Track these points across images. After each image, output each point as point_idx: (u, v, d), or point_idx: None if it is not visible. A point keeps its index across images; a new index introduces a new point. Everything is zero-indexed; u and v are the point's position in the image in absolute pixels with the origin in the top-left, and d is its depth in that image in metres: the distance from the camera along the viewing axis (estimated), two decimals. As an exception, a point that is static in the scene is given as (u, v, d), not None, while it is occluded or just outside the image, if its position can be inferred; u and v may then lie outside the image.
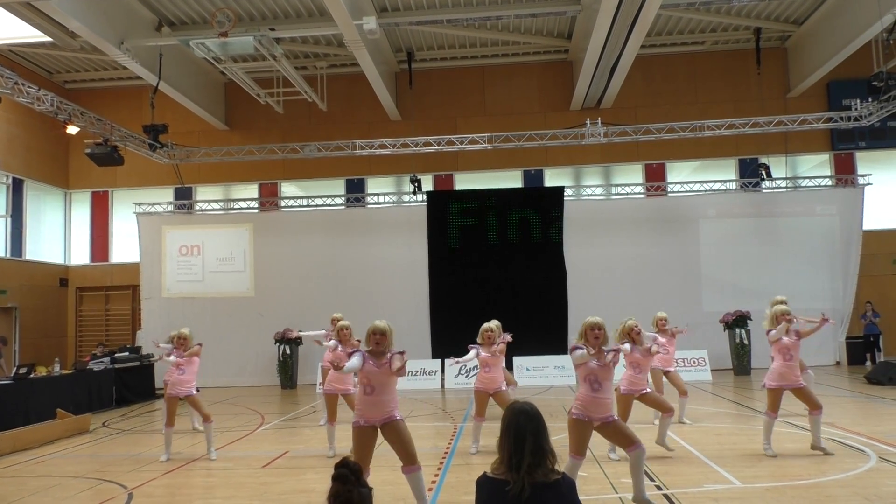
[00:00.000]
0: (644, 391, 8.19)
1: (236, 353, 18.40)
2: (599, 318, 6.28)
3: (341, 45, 17.51)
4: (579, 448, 6.15)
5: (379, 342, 5.92)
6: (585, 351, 6.14)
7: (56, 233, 21.39)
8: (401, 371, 5.78)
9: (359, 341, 8.96)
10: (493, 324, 9.03)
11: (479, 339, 8.96)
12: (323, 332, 11.66)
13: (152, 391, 16.99)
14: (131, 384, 16.01)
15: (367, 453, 5.89)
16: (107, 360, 15.64)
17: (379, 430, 5.89)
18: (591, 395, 6.17)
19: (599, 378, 6.15)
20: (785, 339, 8.21)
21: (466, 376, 16.94)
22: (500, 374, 8.86)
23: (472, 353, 8.86)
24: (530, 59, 20.66)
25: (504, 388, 8.83)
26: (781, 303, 9.53)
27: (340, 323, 9.26)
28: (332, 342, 9.33)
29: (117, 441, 11.14)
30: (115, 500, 7.26)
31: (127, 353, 16.57)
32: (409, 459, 5.87)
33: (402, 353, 5.90)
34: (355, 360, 5.91)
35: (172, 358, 9.36)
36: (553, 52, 20.41)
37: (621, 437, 6.29)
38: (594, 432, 6.26)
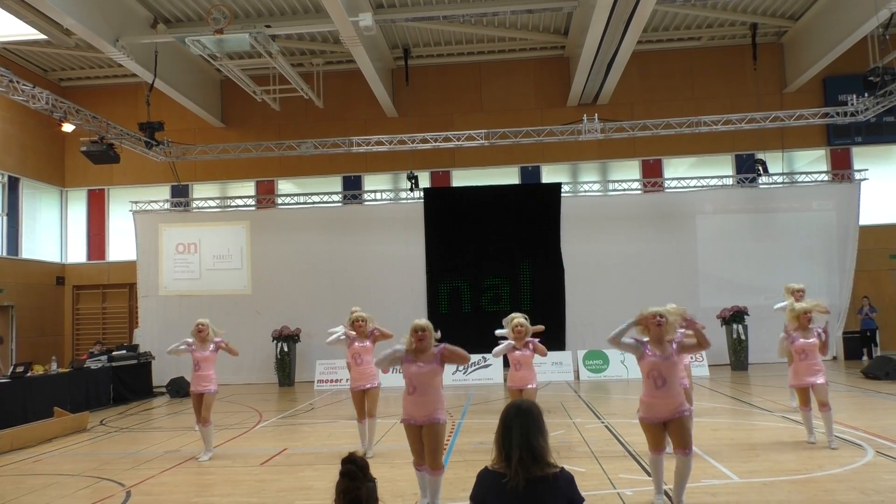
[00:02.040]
0: (682, 382, 8.06)
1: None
2: (661, 307, 6.02)
3: (337, 41, 17.47)
4: (655, 444, 5.92)
5: (421, 339, 5.91)
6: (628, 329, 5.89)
7: (52, 231, 21.34)
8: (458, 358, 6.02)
9: (377, 331, 9.02)
10: (523, 317, 8.61)
11: (509, 334, 8.57)
12: (340, 329, 11.36)
13: (150, 389, 16.98)
14: (129, 382, 16.00)
15: (419, 446, 5.99)
16: (104, 358, 15.63)
17: (421, 427, 5.93)
18: (654, 392, 5.79)
19: (664, 373, 5.76)
20: (801, 340, 8.15)
21: (464, 373, 16.96)
22: (532, 372, 8.60)
23: (505, 345, 8.46)
24: (527, 55, 20.64)
25: (534, 385, 8.60)
26: (798, 290, 9.53)
27: (355, 315, 9.22)
28: (342, 331, 9.31)
29: (115, 439, 11.14)
30: (113, 498, 7.25)
31: (124, 352, 16.56)
32: (433, 464, 5.93)
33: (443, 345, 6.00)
34: (387, 353, 6.03)
35: (184, 347, 9.25)
36: (549, 49, 20.38)
37: (680, 436, 5.82)
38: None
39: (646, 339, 5.96)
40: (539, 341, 8.60)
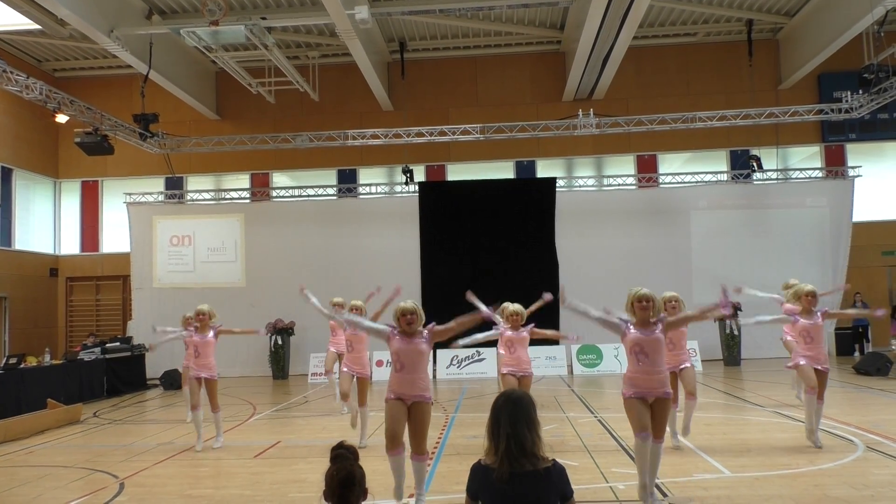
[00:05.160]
0: (683, 366, 7.88)
1: (227, 343, 18.11)
2: (648, 289, 5.97)
3: (333, 34, 17.42)
4: (640, 425, 5.77)
5: (411, 322, 5.89)
6: (620, 321, 5.87)
7: (46, 222, 21.25)
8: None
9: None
10: (519, 307, 8.54)
11: (504, 322, 8.45)
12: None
13: (143, 381, 16.98)
14: (122, 374, 16.00)
15: (400, 426, 5.85)
16: (98, 350, 15.61)
17: (409, 407, 5.84)
18: (636, 368, 5.83)
19: (646, 349, 5.79)
20: (804, 321, 7.87)
21: (458, 367, 16.99)
22: (527, 355, 8.40)
23: (494, 331, 8.32)
24: (523, 49, 20.61)
25: (531, 371, 8.41)
26: (792, 286, 9.51)
27: (353, 302, 9.20)
28: (341, 316, 9.39)
29: (108, 431, 11.13)
30: (106, 489, 7.25)
31: (118, 344, 16.54)
32: (418, 449, 5.84)
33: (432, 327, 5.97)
34: (380, 325, 6.05)
35: (184, 333, 9.18)
36: (545, 43, 20.37)
37: (659, 422, 5.90)
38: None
39: (630, 318, 5.97)
40: (533, 327, 8.53)
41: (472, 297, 8.09)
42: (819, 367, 7.81)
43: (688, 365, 7.99)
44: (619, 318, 5.99)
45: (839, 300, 18.38)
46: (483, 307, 7.96)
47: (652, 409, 5.89)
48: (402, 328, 5.92)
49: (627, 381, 5.94)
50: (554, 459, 3.07)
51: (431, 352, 6.10)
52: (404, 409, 5.87)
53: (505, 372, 8.37)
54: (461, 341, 7.87)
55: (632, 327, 5.91)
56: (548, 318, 17.51)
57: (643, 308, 5.87)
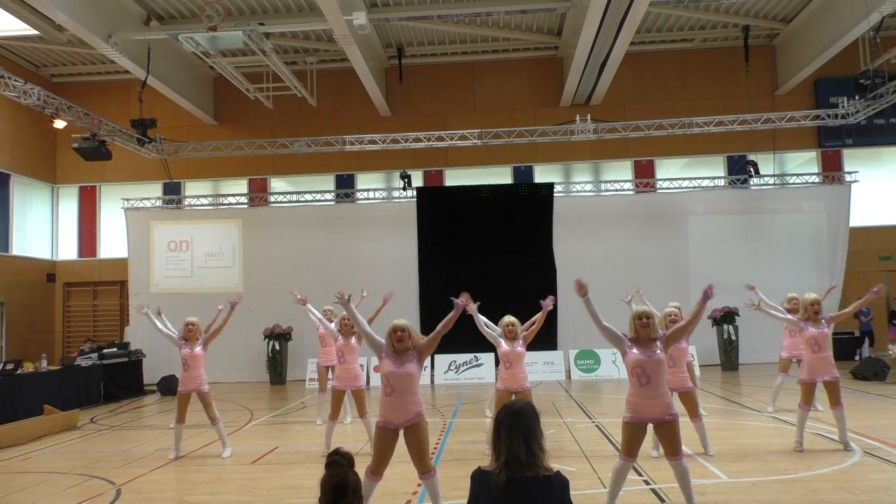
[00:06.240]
0: (686, 388, 7.87)
1: (225, 348, 18.21)
2: (647, 307, 6.00)
3: (331, 40, 17.46)
4: (628, 449, 5.75)
5: (401, 339, 5.79)
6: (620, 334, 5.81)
7: (43, 228, 21.22)
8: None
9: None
10: (515, 319, 8.44)
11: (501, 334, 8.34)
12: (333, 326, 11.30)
13: (141, 387, 16.94)
14: (119, 380, 15.96)
15: (387, 453, 5.78)
16: (95, 355, 15.58)
17: (402, 432, 5.76)
18: (638, 391, 5.73)
19: (647, 371, 5.69)
20: (812, 329, 7.95)
21: (456, 372, 16.98)
22: (524, 371, 8.24)
23: (496, 332, 8.28)
24: (520, 55, 20.67)
25: (528, 386, 8.20)
26: (792, 299, 9.49)
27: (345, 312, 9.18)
28: (332, 326, 9.44)
29: (105, 437, 11.11)
30: (103, 496, 7.24)
31: (115, 349, 16.50)
32: (422, 468, 5.74)
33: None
34: (379, 338, 5.95)
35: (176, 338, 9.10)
36: (543, 49, 20.42)
37: (670, 441, 5.79)
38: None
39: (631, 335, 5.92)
40: (524, 335, 8.40)
41: (474, 312, 7.81)
42: (828, 378, 7.88)
43: (689, 387, 7.97)
44: (622, 332, 5.93)
45: (837, 300, 18.43)
46: (482, 322, 8.09)
47: (659, 432, 5.84)
48: (393, 345, 5.82)
49: (630, 405, 5.82)
50: (557, 470, 3.07)
51: (421, 371, 5.99)
52: (393, 436, 5.78)
53: (499, 388, 8.25)
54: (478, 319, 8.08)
55: (634, 346, 5.82)
56: (546, 331, 17.58)
57: (644, 326, 5.81)
